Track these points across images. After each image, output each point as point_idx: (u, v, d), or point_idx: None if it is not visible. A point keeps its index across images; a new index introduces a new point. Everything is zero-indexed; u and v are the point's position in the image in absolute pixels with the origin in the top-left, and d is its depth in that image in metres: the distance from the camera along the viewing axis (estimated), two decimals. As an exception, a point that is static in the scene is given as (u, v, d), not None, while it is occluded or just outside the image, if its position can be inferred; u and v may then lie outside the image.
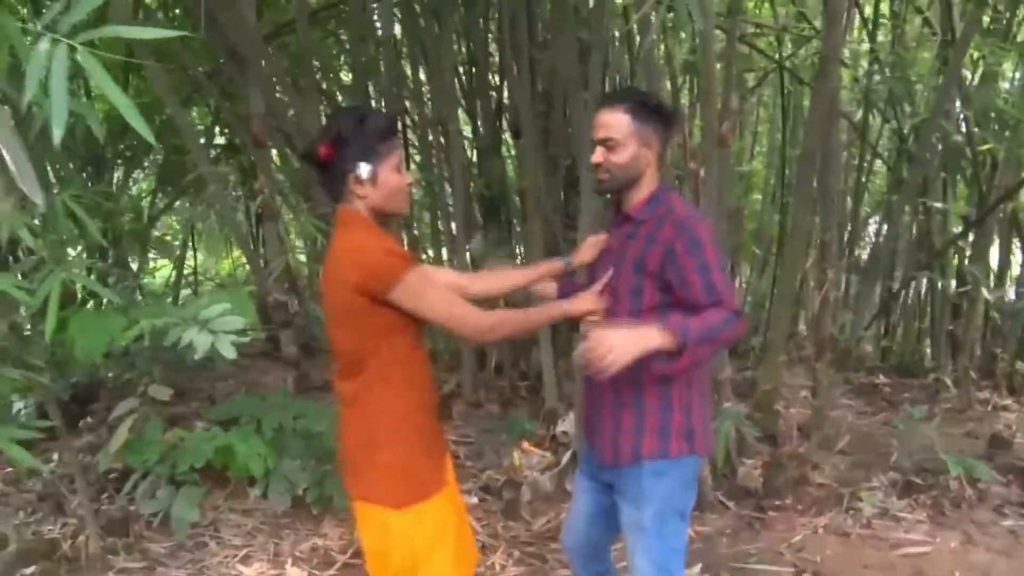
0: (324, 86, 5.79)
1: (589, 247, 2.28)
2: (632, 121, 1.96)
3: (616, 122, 1.97)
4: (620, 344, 1.72)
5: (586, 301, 2.01)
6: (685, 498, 2.06)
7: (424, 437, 1.88)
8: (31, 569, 2.73)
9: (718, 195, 3.43)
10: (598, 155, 2.01)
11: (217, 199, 5.28)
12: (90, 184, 4.68)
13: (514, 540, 3.41)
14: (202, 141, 5.49)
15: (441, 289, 1.82)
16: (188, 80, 5.10)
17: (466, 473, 4.11)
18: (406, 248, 1.84)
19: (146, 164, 5.19)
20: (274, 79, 4.52)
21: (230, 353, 2.68)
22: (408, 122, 5.90)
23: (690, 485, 2.08)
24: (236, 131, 5.55)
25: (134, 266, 5.37)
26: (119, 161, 5.01)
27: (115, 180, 4.98)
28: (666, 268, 1.92)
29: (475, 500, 3.81)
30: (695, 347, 1.78)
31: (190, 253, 7.59)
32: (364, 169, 1.78)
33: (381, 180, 1.81)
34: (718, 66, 3.45)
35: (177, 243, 7.19)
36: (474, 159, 5.56)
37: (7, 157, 1.36)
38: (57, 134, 1.32)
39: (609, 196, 2.21)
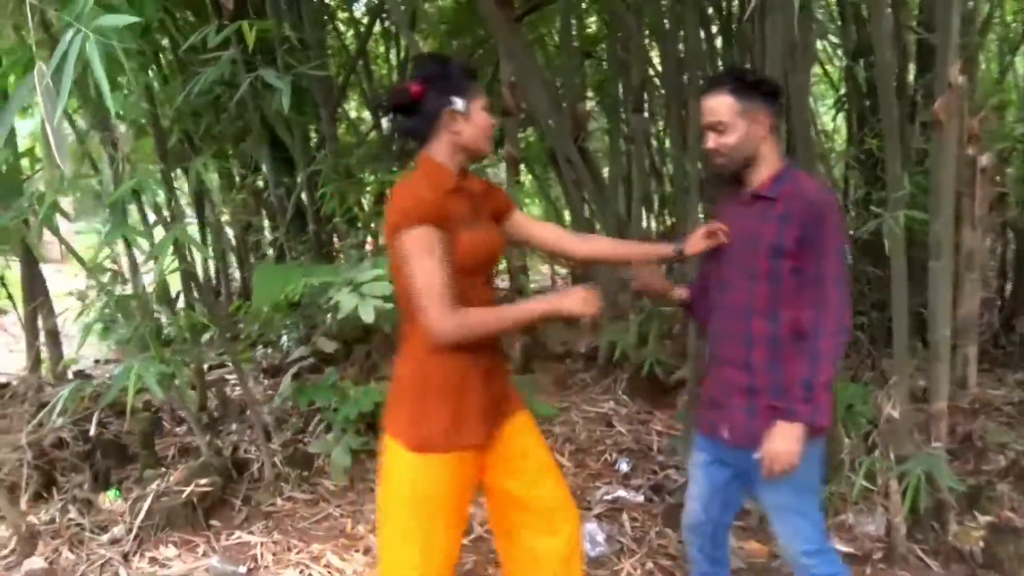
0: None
1: (702, 237, 2.12)
2: (736, 101, 1.97)
3: (720, 105, 1.98)
4: (783, 456, 1.91)
5: (578, 302, 1.78)
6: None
7: (447, 392, 1.83)
8: (205, 480, 3.16)
9: (938, 187, 2.75)
10: (710, 141, 2.02)
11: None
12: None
13: (657, 550, 3.15)
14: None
15: (434, 270, 1.71)
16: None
17: (647, 467, 3.91)
18: (444, 206, 1.77)
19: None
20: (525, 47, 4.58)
21: (368, 317, 2.83)
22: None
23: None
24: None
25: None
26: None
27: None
28: (803, 248, 1.92)
29: (640, 499, 3.59)
30: (823, 390, 1.91)
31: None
32: (459, 103, 1.81)
33: (474, 116, 1.84)
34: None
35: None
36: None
37: (48, 130, 1.54)
38: (60, 104, 1.49)
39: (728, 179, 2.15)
